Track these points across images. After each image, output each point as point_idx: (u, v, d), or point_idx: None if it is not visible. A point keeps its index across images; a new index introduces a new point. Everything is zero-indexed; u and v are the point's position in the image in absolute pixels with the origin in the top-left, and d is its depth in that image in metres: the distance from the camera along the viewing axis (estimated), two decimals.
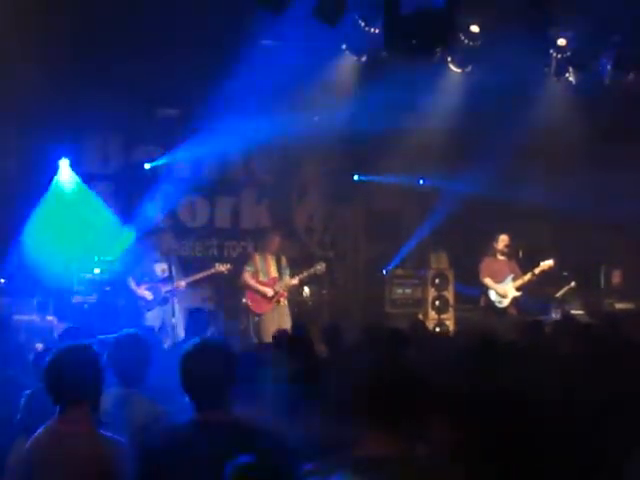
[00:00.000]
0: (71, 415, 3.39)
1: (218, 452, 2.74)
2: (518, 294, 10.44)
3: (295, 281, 10.36)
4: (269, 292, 10.16)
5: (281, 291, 10.23)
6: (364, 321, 10.07)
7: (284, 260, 10.42)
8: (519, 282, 10.41)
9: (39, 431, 3.44)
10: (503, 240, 10.45)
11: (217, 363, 3.20)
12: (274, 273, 10.27)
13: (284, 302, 10.29)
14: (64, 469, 3.28)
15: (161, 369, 4.31)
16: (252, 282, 10.23)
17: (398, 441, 2.64)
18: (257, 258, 10.37)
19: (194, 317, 6.98)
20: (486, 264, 10.53)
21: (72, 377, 3.40)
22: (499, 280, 10.47)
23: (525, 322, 7.44)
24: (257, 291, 10.20)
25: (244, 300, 11.04)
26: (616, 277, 11.76)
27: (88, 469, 3.29)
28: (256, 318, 10.22)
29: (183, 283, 9.87)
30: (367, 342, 5.57)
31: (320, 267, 10.49)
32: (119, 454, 3.29)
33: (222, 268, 10.11)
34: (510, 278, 10.44)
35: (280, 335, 6.20)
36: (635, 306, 10.83)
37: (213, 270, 10.09)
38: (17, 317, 9.11)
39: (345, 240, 12.73)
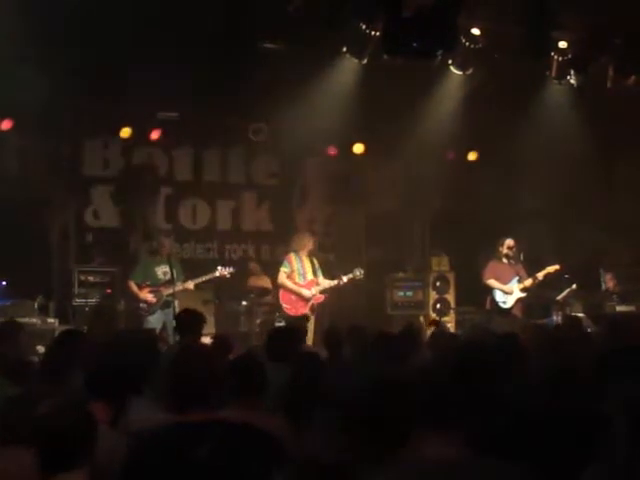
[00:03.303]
0: None
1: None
2: (523, 295, 10.43)
3: (334, 284, 10.19)
4: (307, 293, 10.03)
5: (317, 295, 10.12)
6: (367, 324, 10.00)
7: (316, 262, 10.30)
8: (522, 285, 10.40)
9: None
10: (508, 244, 10.44)
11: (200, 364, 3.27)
12: (311, 275, 10.14)
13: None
14: None
15: None
16: (289, 283, 10.08)
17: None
18: (293, 258, 10.21)
19: (182, 319, 6.74)
20: (491, 267, 10.52)
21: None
22: (504, 283, 10.46)
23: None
24: (293, 292, 10.07)
25: (244, 303, 11.03)
26: (609, 281, 11.50)
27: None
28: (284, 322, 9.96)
29: (191, 284, 9.78)
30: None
31: (359, 272, 10.34)
32: None
33: (225, 272, 9.99)
34: (515, 280, 10.42)
35: None
36: (636, 308, 10.80)
37: (217, 273, 10.00)
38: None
39: (346, 243, 12.68)
